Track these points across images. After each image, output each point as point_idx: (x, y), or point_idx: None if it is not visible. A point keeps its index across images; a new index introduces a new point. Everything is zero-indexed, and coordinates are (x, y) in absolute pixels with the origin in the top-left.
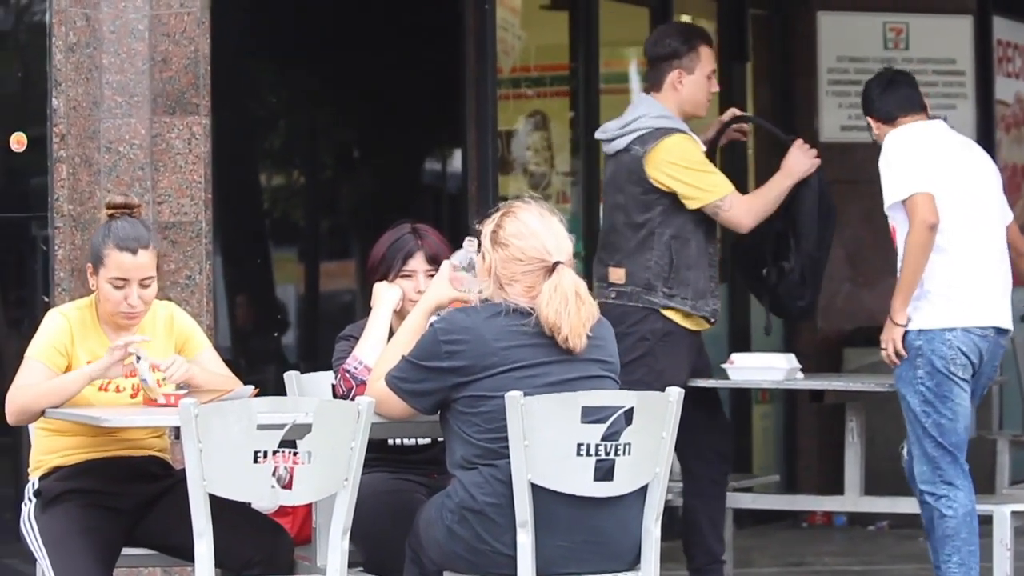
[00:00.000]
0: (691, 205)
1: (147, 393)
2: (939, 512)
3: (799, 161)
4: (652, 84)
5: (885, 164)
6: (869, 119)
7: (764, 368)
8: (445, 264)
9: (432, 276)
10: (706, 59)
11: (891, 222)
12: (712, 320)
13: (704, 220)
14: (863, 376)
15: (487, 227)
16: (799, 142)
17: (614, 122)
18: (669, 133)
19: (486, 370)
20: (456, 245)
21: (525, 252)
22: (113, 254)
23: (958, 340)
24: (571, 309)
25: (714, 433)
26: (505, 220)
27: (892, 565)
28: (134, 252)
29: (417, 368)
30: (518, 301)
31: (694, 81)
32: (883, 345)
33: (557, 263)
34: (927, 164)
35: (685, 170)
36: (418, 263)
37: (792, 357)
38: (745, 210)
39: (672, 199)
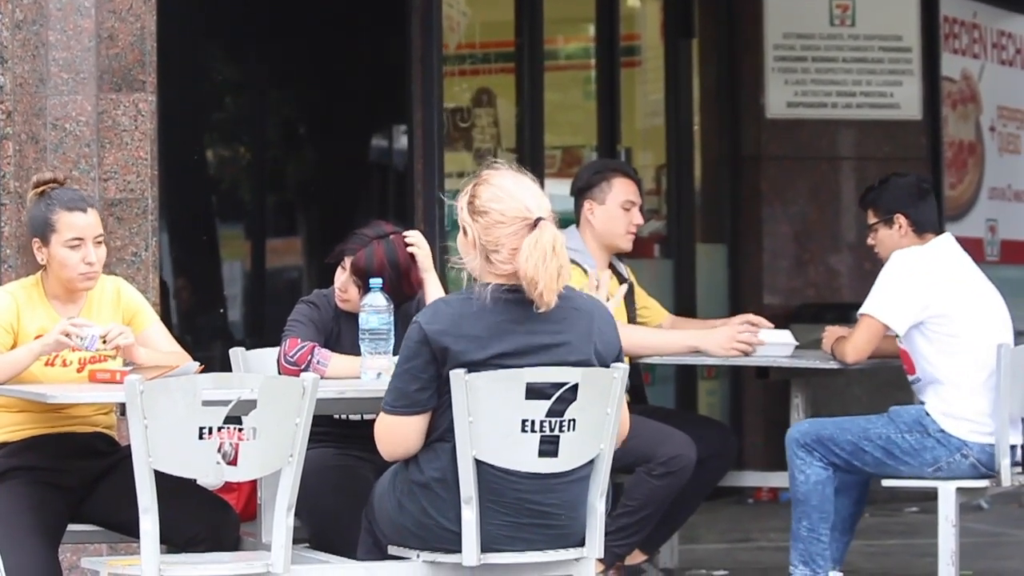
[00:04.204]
0: None
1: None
2: (792, 474)
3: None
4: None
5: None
6: (901, 217)
7: None
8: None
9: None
10: (619, 189)
11: (901, 345)
12: None
13: None
14: (808, 352)
15: (461, 201)
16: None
17: None
18: None
19: (471, 359)
20: (403, 222)
21: (505, 214)
22: (64, 216)
23: (974, 455)
24: (548, 264)
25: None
26: (478, 189)
27: None
28: (84, 211)
29: (409, 376)
30: (504, 269)
31: (606, 211)
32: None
33: (539, 219)
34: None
35: None
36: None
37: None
38: None
39: None
